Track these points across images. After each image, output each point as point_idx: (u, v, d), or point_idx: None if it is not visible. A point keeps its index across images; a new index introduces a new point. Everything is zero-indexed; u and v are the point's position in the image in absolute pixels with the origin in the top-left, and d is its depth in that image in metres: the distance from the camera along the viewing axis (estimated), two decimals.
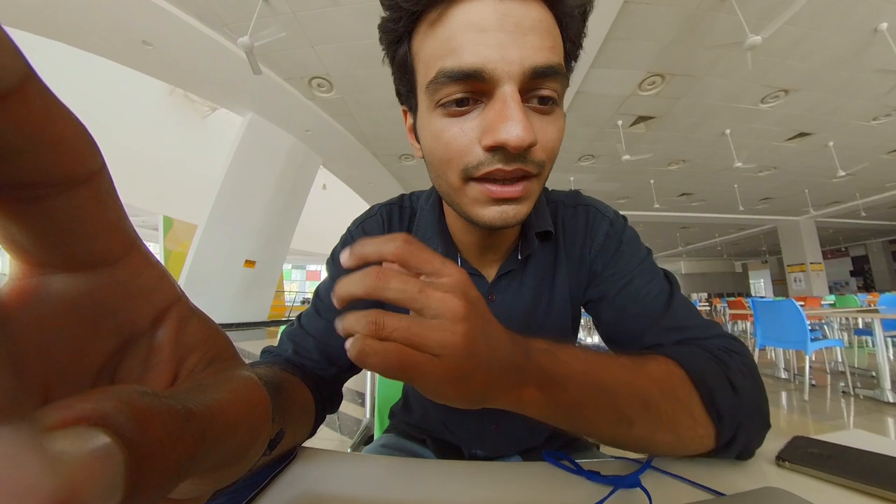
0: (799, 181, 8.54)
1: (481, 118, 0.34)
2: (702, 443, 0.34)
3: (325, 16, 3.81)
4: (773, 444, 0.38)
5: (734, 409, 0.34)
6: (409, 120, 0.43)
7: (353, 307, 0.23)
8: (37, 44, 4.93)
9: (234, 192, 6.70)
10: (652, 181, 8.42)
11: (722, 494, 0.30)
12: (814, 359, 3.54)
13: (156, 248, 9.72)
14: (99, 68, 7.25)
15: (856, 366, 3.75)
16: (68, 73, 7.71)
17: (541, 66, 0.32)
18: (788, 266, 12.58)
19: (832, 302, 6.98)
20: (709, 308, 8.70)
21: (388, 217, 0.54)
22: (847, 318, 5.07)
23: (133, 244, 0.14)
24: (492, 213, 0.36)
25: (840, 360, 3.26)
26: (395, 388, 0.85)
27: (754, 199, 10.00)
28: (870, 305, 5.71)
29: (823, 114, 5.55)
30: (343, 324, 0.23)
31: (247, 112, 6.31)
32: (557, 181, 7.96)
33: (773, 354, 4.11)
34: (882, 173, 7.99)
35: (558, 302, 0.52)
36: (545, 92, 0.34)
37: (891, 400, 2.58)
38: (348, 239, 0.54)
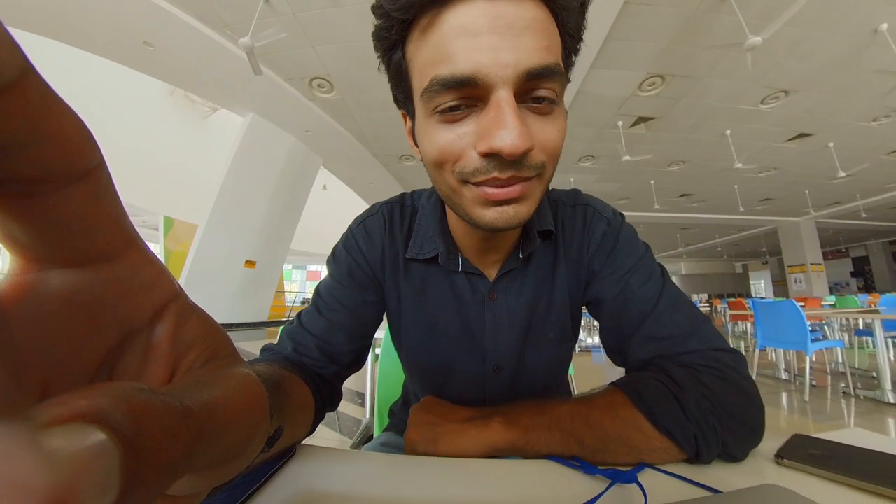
0: (799, 182, 8.53)
1: (476, 124, 0.33)
2: (668, 453, 0.36)
3: (326, 16, 3.82)
4: (772, 442, 0.38)
5: (682, 423, 0.36)
6: (409, 124, 0.43)
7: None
8: (38, 44, 4.93)
9: (235, 193, 6.70)
10: (652, 182, 8.42)
11: (719, 492, 0.30)
12: (814, 359, 3.55)
13: (156, 248, 9.69)
14: (100, 69, 7.24)
15: (856, 366, 3.74)
16: (69, 73, 7.71)
17: (536, 68, 0.31)
18: (789, 267, 12.56)
19: (832, 303, 6.99)
20: (709, 309, 8.70)
21: (389, 215, 0.54)
22: (847, 319, 5.07)
23: (131, 240, 0.14)
24: (491, 215, 0.36)
25: (840, 360, 3.25)
26: (395, 387, 0.85)
27: (754, 200, 9.99)
28: (870, 306, 5.70)
29: (823, 114, 5.56)
30: None
31: (247, 112, 6.31)
32: (557, 181, 7.78)
33: (773, 355, 4.11)
34: (882, 174, 7.99)
35: (558, 301, 0.52)
36: (543, 92, 0.33)
37: (891, 401, 2.58)
38: (350, 237, 0.54)
